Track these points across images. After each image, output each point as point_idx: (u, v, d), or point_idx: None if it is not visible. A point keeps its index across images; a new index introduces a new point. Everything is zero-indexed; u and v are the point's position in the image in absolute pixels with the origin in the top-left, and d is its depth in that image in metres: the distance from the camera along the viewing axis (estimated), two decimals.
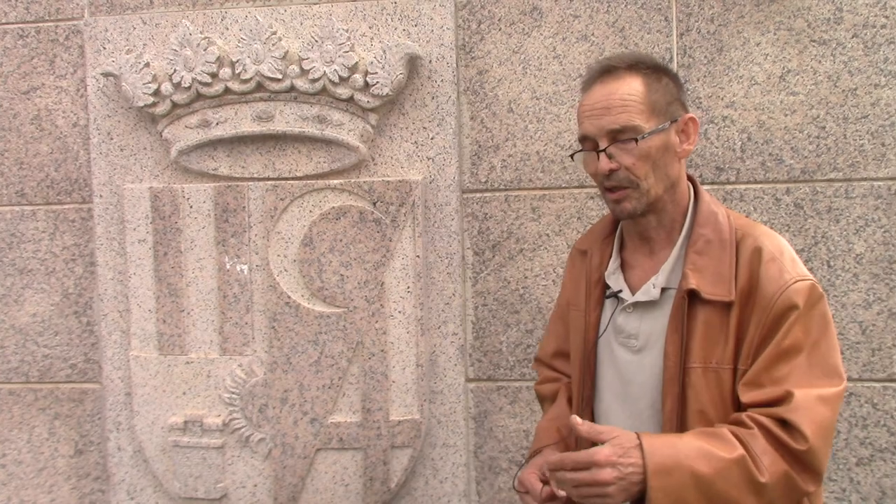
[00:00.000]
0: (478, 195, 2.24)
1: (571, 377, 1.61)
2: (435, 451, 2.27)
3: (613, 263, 1.52)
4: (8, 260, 2.43)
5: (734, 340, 1.36)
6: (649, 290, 1.44)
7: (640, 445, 1.24)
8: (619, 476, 1.21)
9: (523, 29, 2.20)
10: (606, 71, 1.42)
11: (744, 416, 1.31)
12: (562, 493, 1.34)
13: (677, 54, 2.14)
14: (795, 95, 2.12)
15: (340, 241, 2.21)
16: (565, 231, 2.20)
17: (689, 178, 1.50)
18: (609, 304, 1.51)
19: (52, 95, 2.40)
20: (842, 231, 2.11)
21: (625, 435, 1.25)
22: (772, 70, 2.12)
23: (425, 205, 2.21)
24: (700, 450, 1.25)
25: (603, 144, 1.38)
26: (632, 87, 1.38)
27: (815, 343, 1.33)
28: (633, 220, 1.45)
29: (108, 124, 2.33)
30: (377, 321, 2.21)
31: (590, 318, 1.53)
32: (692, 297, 1.37)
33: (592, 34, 2.17)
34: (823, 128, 2.11)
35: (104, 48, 2.31)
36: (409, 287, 2.20)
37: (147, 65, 2.21)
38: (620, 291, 1.48)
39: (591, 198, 2.19)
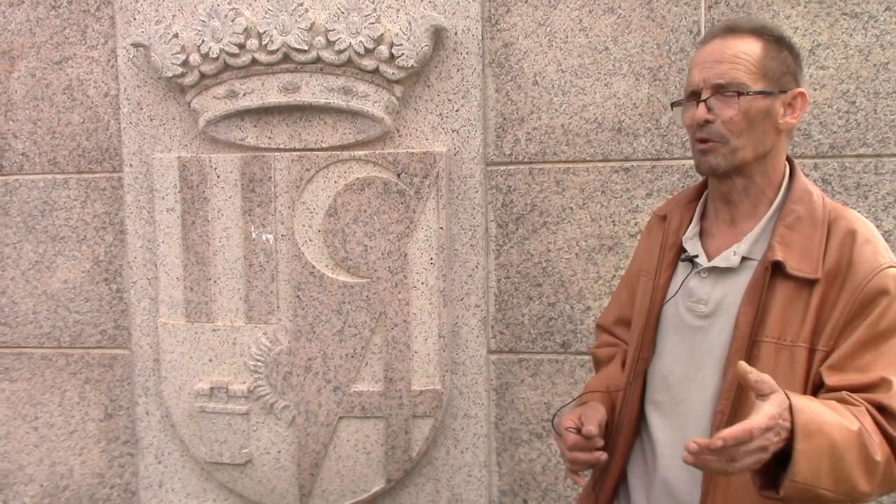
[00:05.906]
0: (502, 168, 2.24)
1: (629, 341, 1.59)
2: (456, 422, 2.29)
3: (693, 228, 1.50)
4: (41, 227, 2.49)
5: (813, 320, 1.32)
6: (729, 257, 1.41)
7: (791, 406, 1.17)
8: (777, 440, 1.16)
9: (549, 1, 2.18)
10: (729, 29, 1.41)
11: (844, 394, 1.27)
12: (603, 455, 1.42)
13: (705, 27, 2.12)
14: (825, 70, 2.09)
15: (364, 211, 2.22)
16: (589, 204, 2.20)
17: (788, 159, 1.47)
18: (682, 269, 1.49)
19: (84, 66, 2.43)
20: (870, 207, 2.09)
21: (779, 392, 1.18)
22: (801, 44, 2.08)
23: (449, 177, 2.22)
24: (835, 418, 1.20)
25: (705, 95, 1.38)
26: (748, 47, 1.37)
27: None
28: (718, 179, 1.43)
29: (138, 94, 2.36)
30: (400, 292, 2.23)
31: (659, 281, 1.51)
32: (775, 269, 1.34)
33: (619, 6, 2.15)
34: (853, 102, 2.08)
35: (134, 19, 2.33)
36: (432, 258, 2.21)
37: (176, 35, 2.23)
38: (696, 256, 1.45)
39: (616, 171, 2.18)
